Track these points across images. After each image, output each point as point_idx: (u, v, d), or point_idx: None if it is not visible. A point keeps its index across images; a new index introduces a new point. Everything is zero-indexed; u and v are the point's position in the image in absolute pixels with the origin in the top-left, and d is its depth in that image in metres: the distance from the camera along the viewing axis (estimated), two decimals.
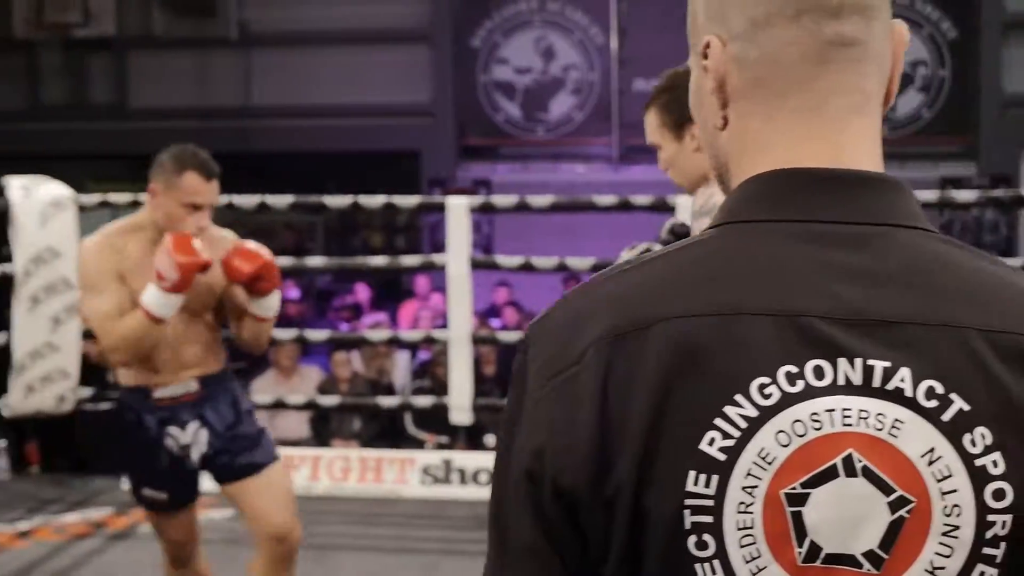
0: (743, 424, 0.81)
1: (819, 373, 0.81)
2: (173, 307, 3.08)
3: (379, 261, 5.92)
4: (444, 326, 6.03)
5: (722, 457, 0.81)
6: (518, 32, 11.12)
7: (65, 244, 5.27)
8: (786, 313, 0.81)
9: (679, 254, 0.87)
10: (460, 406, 5.30)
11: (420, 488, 5.36)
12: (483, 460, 5.28)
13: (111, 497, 5.34)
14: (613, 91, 10.91)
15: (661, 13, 10.87)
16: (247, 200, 5.42)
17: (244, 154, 12.43)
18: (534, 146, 11.05)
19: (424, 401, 5.67)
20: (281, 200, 5.47)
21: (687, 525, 0.81)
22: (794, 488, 0.80)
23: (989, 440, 0.80)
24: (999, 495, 0.79)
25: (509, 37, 11.12)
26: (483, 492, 5.21)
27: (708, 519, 0.81)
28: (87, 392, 5.58)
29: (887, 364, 0.80)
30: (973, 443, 0.80)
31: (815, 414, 0.80)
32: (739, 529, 0.81)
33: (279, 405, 6.12)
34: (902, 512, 0.80)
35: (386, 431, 7.24)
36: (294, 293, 9.78)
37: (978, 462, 0.80)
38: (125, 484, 5.45)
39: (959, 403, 0.80)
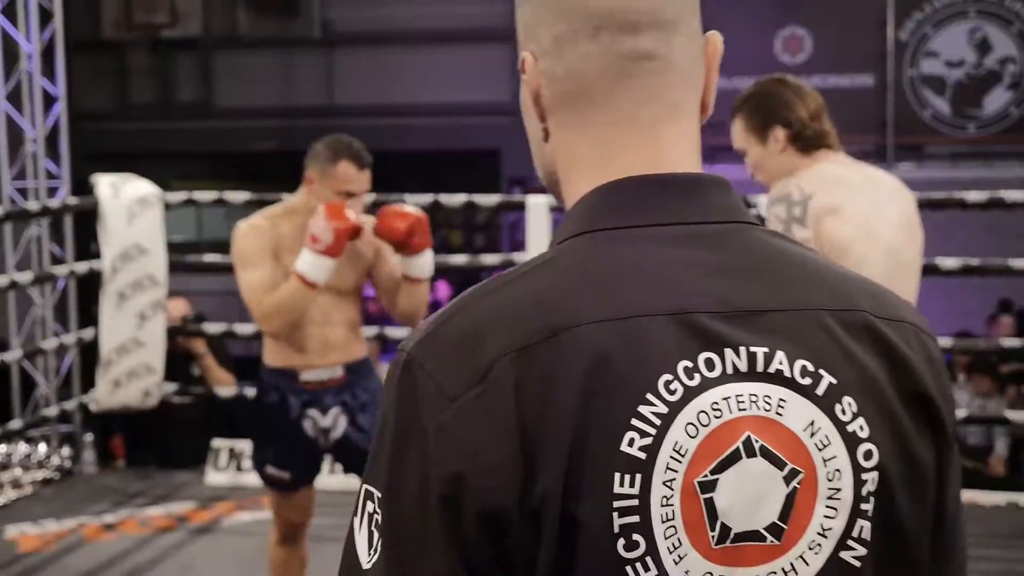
0: (657, 421, 0.83)
1: (710, 365, 0.85)
2: (326, 271, 3.18)
3: (459, 260, 5.92)
4: None
5: (643, 456, 0.83)
6: None
7: (151, 241, 5.35)
8: (674, 312, 0.85)
9: (559, 263, 0.88)
10: None
11: None
12: None
13: (194, 491, 5.41)
14: None
15: (742, 11, 10.77)
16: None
17: None
18: None
19: None
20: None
21: (616, 528, 0.82)
22: (705, 476, 0.84)
23: (855, 408, 0.87)
24: (868, 455, 0.87)
25: None
26: None
27: (636, 519, 0.82)
28: (172, 387, 5.66)
29: (765, 350, 0.86)
30: (843, 412, 0.87)
31: (715, 403, 0.84)
32: (663, 522, 0.83)
33: None
34: (794, 483, 0.86)
35: None
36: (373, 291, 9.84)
37: (848, 428, 0.87)
38: (208, 478, 5.52)
39: (828, 378, 0.87)
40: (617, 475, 0.82)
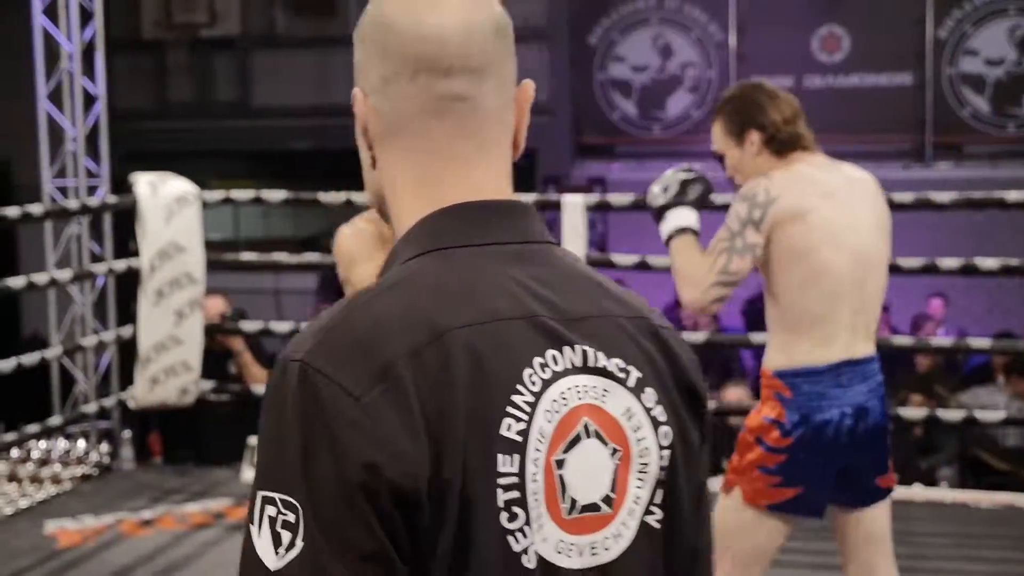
0: (527, 408, 0.97)
1: (556, 360, 1.00)
2: None
3: None
4: None
5: (519, 438, 0.97)
6: (635, 30, 11.04)
7: (189, 239, 5.38)
8: (526, 316, 1.00)
9: (418, 279, 1.00)
10: None
11: None
12: None
13: (230, 488, 5.44)
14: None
15: (780, 10, 10.72)
16: (365, 197, 5.47)
17: None
18: (650, 144, 10.96)
19: None
20: None
21: (501, 503, 0.96)
22: (558, 455, 0.99)
23: (655, 397, 1.05)
24: (665, 435, 1.05)
25: (626, 35, 11.05)
26: None
27: (516, 494, 0.96)
28: (209, 385, 5.69)
29: (591, 348, 1.02)
30: (648, 399, 1.04)
31: (563, 393, 1.00)
32: (532, 496, 0.97)
33: None
34: (616, 460, 1.02)
35: None
36: None
37: (652, 413, 1.05)
38: (244, 475, 5.55)
39: (635, 372, 1.04)
40: (500, 456, 0.96)
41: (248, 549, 0.96)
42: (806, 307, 2.72)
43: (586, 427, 1.01)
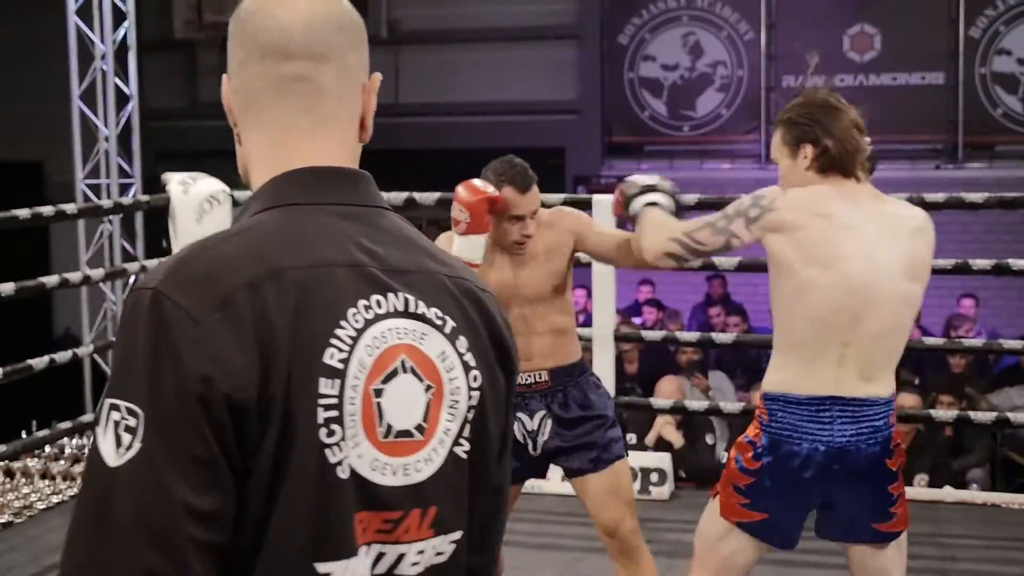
0: (349, 341, 1.13)
1: (379, 304, 1.16)
2: (479, 248, 3.28)
3: None
4: (587, 323, 6.03)
5: (340, 366, 1.12)
6: (666, 29, 11.02)
7: None
8: (354, 264, 1.16)
9: (262, 227, 1.16)
10: None
11: (561, 485, 5.36)
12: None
13: None
14: (762, 88, 10.74)
15: (810, 8, 10.68)
16: (395, 196, 5.49)
17: (392, 151, 12.62)
18: (680, 143, 10.94)
19: None
20: (428, 197, 5.53)
21: (320, 420, 1.11)
22: (377, 385, 1.15)
23: (467, 344, 1.21)
24: (475, 379, 1.21)
25: (656, 34, 11.03)
26: None
27: (335, 413, 1.12)
28: None
29: (412, 297, 1.18)
30: (462, 346, 1.21)
31: (384, 332, 1.16)
32: (350, 417, 1.13)
33: None
34: (430, 395, 1.18)
35: None
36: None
37: (464, 358, 1.21)
38: None
39: (451, 322, 1.20)
40: (322, 379, 1.11)
41: (93, 449, 1.09)
42: (791, 326, 2.68)
43: (403, 363, 1.17)
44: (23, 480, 5.30)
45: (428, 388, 1.18)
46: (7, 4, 10.89)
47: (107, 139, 6.06)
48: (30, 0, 10.14)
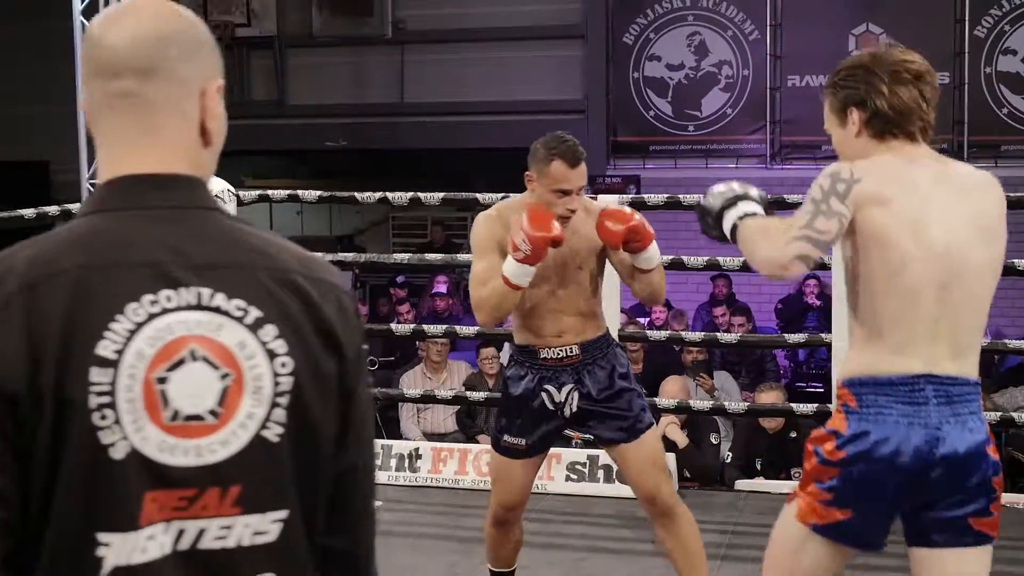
0: (125, 334, 1.24)
1: (169, 299, 1.26)
2: (526, 276, 3.34)
3: None
4: None
5: (114, 356, 1.23)
6: (671, 28, 11.02)
7: None
8: (148, 263, 1.26)
9: (71, 231, 1.29)
10: None
11: (565, 484, 5.36)
12: None
13: None
14: (767, 88, 10.74)
15: (817, 9, 10.67)
16: (399, 196, 5.50)
17: (397, 150, 12.63)
18: (685, 143, 10.94)
19: None
20: (433, 196, 5.53)
21: (92, 405, 1.22)
22: (160, 373, 1.24)
23: (275, 333, 1.29)
24: (284, 365, 1.29)
25: (662, 33, 11.03)
26: (627, 490, 5.19)
27: (108, 399, 1.22)
28: None
29: (210, 291, 1.27)
30: (266, 335, 1.29)
31: (170, 324, 1.25)
32: (127, 402, 1.23)
33: (428, 399, 6.20)
34: (227, 382, 1.27)
35: None
36: (443, 288, 9.89)
37: (269, 346, 1.29)
38: None
39: (255, 312, 1.28)
40: (93, 368, 1.22)
41: None
42: (883, 305, 2.46)
43: (192, 352, 1.26)
44: None
45: (225, 376, 1.27)
46: (13, 5, 10.91)
47: None
48: (36, 0, 10.16)
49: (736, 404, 6.08)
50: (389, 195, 5.49)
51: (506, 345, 6.66)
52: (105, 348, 1.23)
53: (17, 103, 11.35)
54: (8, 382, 1.21)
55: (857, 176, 2.46)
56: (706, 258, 5.33)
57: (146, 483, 1.24)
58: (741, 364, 8.10)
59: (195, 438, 1.26)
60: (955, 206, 2.50)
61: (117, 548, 1.23)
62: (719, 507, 5.06)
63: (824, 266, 4.69)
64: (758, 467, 6.21)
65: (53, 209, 4.98)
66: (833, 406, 2.61)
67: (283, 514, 1.31)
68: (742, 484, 5.62)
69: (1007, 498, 5.17)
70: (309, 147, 12.83)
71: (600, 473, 5.41)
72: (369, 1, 11.45)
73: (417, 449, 5.64)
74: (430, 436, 7.24)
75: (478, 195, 5.66)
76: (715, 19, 10.91)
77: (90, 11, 6.07)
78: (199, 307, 1.27)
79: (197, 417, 1.26)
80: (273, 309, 1.30)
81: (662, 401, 5.57)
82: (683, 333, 7.01)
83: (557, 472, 5.40)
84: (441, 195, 5.59)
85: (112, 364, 1.23)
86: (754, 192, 2.71)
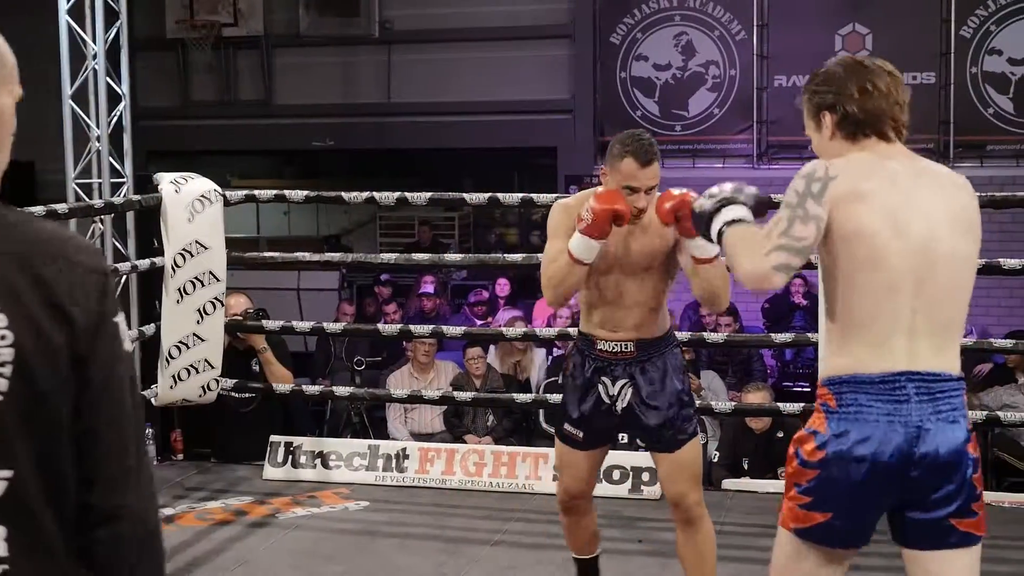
0: None
1: None
2: (590, 251, 3.41)
3: (515, 258, 5.94)
4: (577, 323, 6.03)
5: None
6: (658, 28, 11.02)
7: (212, 238, 5.40)
8: None
9: None
10: None
11: (553, 484, 5.36)
12: (617, 457, 5.26)
13: (252, 486, 5.47)
14: (754, 88, 10.75)
15: (803, 9, 10.68)
16: (387, 195, 5.49)
17: (384, 150, 12.61)
18: (672, 143, 10.94)
19: (558, 397, 5.67)
20: (420, 196, 5.53)
21: None
22: None
23: None
24: (3, 338, 1.40)
25: (649, 33, 11.04)
26: (615, 489, 5.19)
27: None
28: (230, 383, 5.72)
29: None
30: None
31: None
32: None
33: (415, 399, 6.19)
34: None
35: (519, 427, 7.27)
36: (430, 288, 9.88)
37: None
38: (265, 473, 5.58)
39: None
40: None
41: None
42: (860, 300, 2.46)
43: None
44: None
45: None
46: None
47: (99, 139, 6.05)
48: (22, 0, 10.12)
49: (723, 404, 6.09)
50: (376, 195, 5.49)
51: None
52: None
53: None
54: None
55: (832, 173, 2.48)
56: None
57: None
58: (728, 364, 8.11)
59: None
60: (934, 200, 2.51)
61: None
62: (706, 507, 5.07)
63: (811, 265, 4.69)
64: (745, 467, 6.22)
65: (39, 209, 4.95)
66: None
67: (8, 473, 1.41)
68: (729, 484, 5.64)
69: (993, 496, 5.19)
70: (296, 147, 12.80)
71: None
72: (356, 1, 11.44)
73: (404, 449, 5.63)
74: (417, 436, 7.24)
75: (465, 195, 5.66)
76: (702, 19, 10.92)
77: (75, 11, 6.04)
78: None
79: None
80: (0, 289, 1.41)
81: None
82: None
83: (544, 472, 5.40)
84: (428, 195, 5.58)
85: None
86: (747, 193, 2.71)
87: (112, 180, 6.12)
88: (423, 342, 7.29)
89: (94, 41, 6.06)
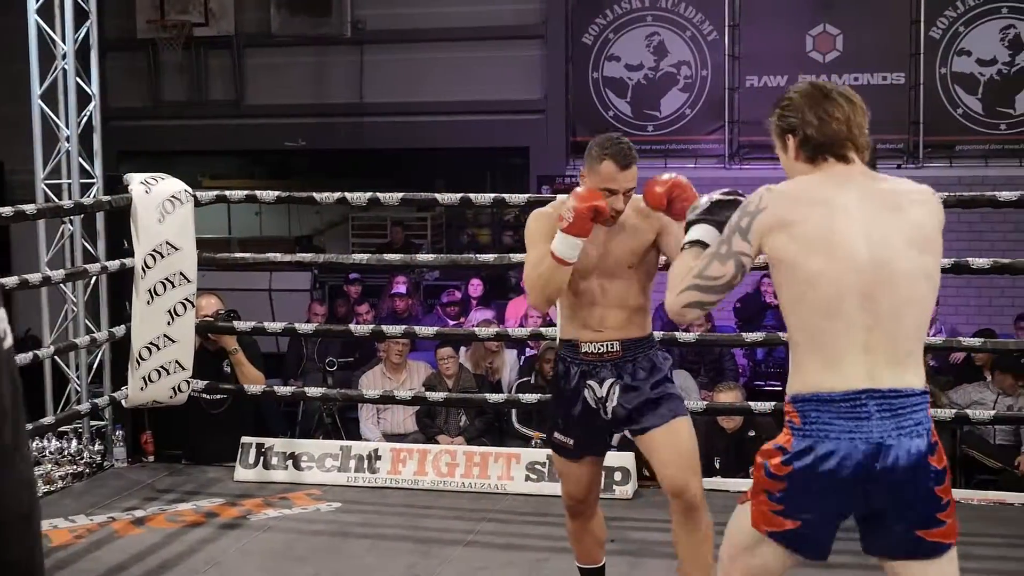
0: None
1: None
2: (573, 249, 3.43)
3: (487, 258, 5.94)
4: (551, 323, 6.04)
5: None
6: (630, 29, 11.05)
7: (182, 238, 5.38)
8: None
9: None
10: None
11: (525, 484, 5.37)
12: None
13: (223, 488, 5.45)
14: (725, 88, 10.79)
15: (774, 10, 10.74)
16: (359, 196, 5.48)
17: (356, 151, 12.59)
18: (644, 143, 10.96)
19: (530, 398, 5.68)
20: (392, 196, 5.52)
21: None
22: None
23: None
24: None
25: (621, 34, 11.06)
26: None
27: None
28: (201, 384, 5.69)
29: None
30: None
31: None
32: None
33: (387, 399, 6.18)
34: None
35: (492, 427, 7.27)
36: (402, 288, 9.87)
37: None
38: (237, 475, 5.56)
39: None
40: None
41: None
42: (807, 321, 2.55)
43: None
44: None
45: None
46: None
47: (68, 139, 6.01)
48: None
49: (695, 403, 6.10)
50: (348, 195, 5.47)
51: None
52: None
53: None
54: None
55: (763, 205, 2.60)
56: (664, 258, 5.33)
57: None
58: (700, 363, 8.13)
59: None
60: (882, 218, 2.59)
61: None
62: None
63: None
64: (717, 466, 6.24)
65: (7, 210, 4.92)
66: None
67: None
68: None
69: (962, 494, 5.23)
70: (267, 147, 12.77)
71: None
72: (328, 1, 11.42)
73: (376, 450, 5.62)
74: (390, 437, 7.23)
75: (437, 195, 5.66)
76: (674, 20, 10.95)
77: (45, 11, 6.00)
78: None
79: None
80: None
81: None
82: None
83: (516, 472, 5.40)
84: (400, 195, 5.57)
85: None
86: (722, 213, 2.77)
87: (82, 180, 6.08)
88: (396, 342, 7.28)
89: (64, 41, 6.02)
